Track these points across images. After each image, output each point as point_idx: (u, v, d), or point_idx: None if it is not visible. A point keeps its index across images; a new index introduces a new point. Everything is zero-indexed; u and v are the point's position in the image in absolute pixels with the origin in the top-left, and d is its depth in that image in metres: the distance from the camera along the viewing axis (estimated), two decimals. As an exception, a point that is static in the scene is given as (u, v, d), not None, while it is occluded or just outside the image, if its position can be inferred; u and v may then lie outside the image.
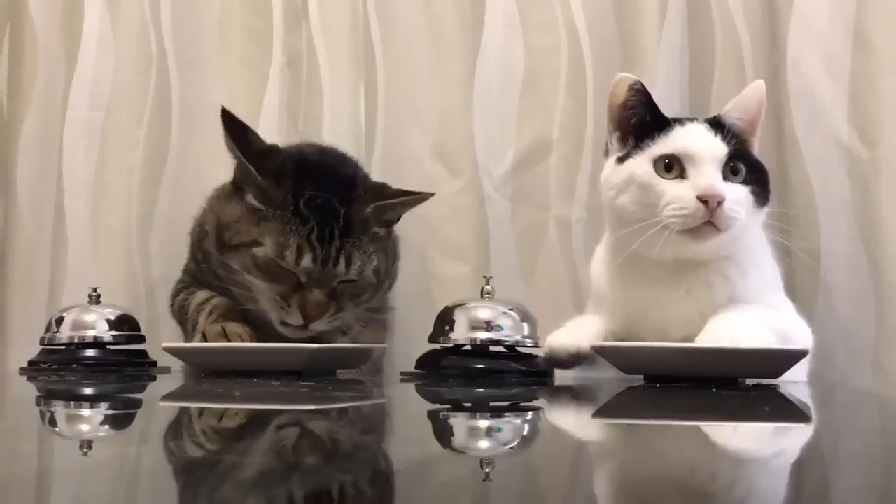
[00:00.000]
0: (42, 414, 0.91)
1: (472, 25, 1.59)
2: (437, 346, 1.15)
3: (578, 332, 1.16)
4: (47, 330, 1.32)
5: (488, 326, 1.12)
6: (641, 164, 1.13)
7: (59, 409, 0.94)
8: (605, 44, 1.56)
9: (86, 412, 0.93)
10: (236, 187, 1.27)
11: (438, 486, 0.52)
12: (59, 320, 1.31)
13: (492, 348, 1.14)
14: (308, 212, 1.20)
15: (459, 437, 0.74)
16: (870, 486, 0.54)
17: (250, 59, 1.68)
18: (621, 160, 1.15)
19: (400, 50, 1.63)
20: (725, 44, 1.51)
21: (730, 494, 0.51)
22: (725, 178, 1.11)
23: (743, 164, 1.13)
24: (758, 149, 1.20)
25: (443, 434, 0.77)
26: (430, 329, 1.16)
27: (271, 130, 1.63)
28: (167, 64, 1.68)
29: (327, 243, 1.20)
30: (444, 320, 1.15)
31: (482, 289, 1.17)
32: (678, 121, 1.16)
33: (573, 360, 1.14)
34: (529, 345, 1.14)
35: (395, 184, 1.57)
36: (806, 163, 1.46)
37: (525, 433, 0.78)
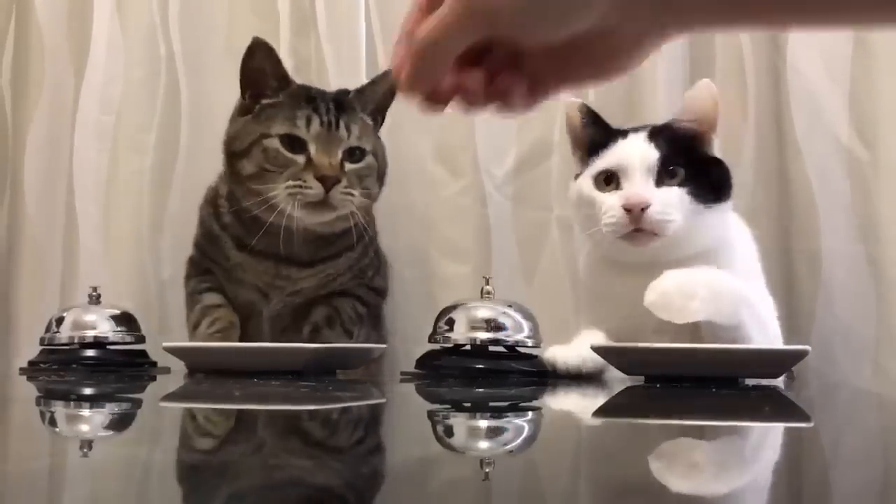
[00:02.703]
0: (42, 414, 0.91)
1: None
2: (437, 346, 1.15)
3: (580, 347, 1.16)
4: (47, 330, 1.32)
5: (488, 326, 1.12)
6: (586, 179, 1.20)
7: (59, 409, 0.94)
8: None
9: (86, 412, 0.93)
10: (240, 110, 1.38)
11: (438, 486, 0.52)
12: (60, 320, 1.32)
13: (492, 348, 1.14)
14: (308, 95, 1.36)
15: (459, 437, 0.74)
16: (870, 486, 0.54)
17: None
18: (577, 178, 1.24)
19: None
20: (726, 45, 1.51)
21: (730, 494, 0.51)
22: (661, 182, 1.16)
23: (683, 165, 1.16)
24: (717, 144, 1.23)
25: (443, 434, 0.77)
26: (430, 329, 1.16)
27: None
28: (176, 67, 1.69)
29: (327, 114, 1.33)
30: (444, 320, 1.15)
31: (482, 289, 1.17)
32: (622, 133, 1.22)
33: (572, 374, 1.15)
34: (529, 345, 1.14)
35: (397, 185, 1.58)
36: (806, 164, 1.46)
37: (525, 433, 0.78)
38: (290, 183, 1.29)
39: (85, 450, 0.64)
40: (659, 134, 1.20)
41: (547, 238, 1.56)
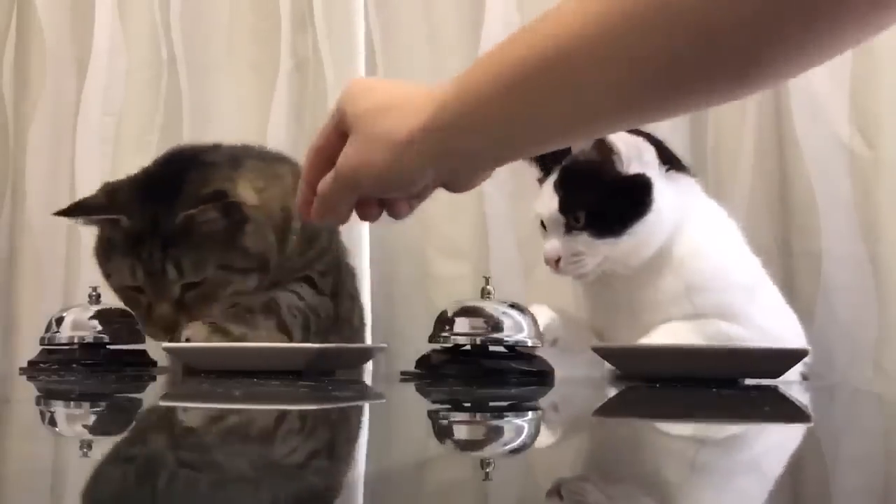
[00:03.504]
0: (42, 414, 0.91)
1: (472, 26, 1.59)
2: (437, 346, 1.15)
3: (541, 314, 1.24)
4: (47, 330, 1.32)
5: (488, 326, 1.12)
6: (536, 218, 1.29)
7: (59, 409, 0.94)
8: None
9: (86, 412, 0.93)
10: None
11: (438, 486, 0.52)
12: (59, 320, 1.31)
13: (492, 348, 1.14)
14: (136, 232, 1.24)
15: (459, 437, 0.74)
16: (870, 486, 0.54)
17: (259, 62, 1.68)
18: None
19: (400, 50, 1.63)
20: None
21: (730, 495, 0.51)
22: (570, 228, 1.23)
23: (584, 206, 1.22)
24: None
25: (443, 434, 0.77)
26: (430, 329, 1.16)
27: (280, 134, 1.63)
28: (177, 68, 1.69)
29: (154, 256, 1.22)
30: (444, 320, 1.14)
31: (482, 289, 1.17)
32: (547, 169, 1.28)
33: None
34: (529, 345, 1.14)
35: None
36: (807, 163, 1.45)
37: (525, 433, 0.78)
38: (139, 318, 1.27)
39: (85, 450, 0.64)
40: (565, 176, 1.25)
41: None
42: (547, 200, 1.25)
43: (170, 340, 1.23)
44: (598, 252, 1.22)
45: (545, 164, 1.28)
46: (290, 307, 1.30)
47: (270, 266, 1.29)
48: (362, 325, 1.50)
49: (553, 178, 1.26)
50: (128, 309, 1.34)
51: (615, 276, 1.24)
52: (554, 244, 1.24)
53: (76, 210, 1.30)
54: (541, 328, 1.17)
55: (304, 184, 0.87)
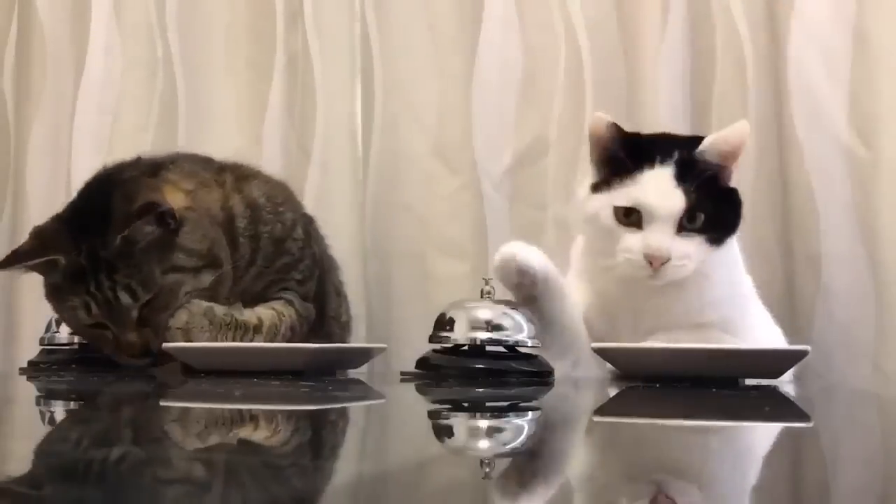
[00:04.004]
0: (42, 414, 0.91)
1: (471, 24, 1.60)
2: (436, 346, 1.15)
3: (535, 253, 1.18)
4: (47, 330, 1.32)
5: (488, 326, 1.12)
6: (605, 206, 1.17)
7: (59, 409, 0.94)
8: (604, 43, 1.56)
9: (85, 412, 0.93)
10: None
11: (438, 486, 0.52)
12: (59, 320, 1.31)
13: (492, 348, 1.14)
14: (77, 268, 1.19)
15: (459, 437, 0.74)
16: (870, 486, 0.54)
17: (255, 59, 1.68)
18: (595, 189, 1.20)
19: (398, 49, 1.63)
20: (726, 44, 1.51)
21: (730, 495, 0.51)
22: (681, 227, 1.14)
23: (703, 209, 1.14)
24: (735, 175, 1.20)
25: (443, 434, 0.77)
26: (429, 329, 1.16)
27: (275, 130, 1.63)
28: (173, 67, 1.69)
29: (103, 286, 1.18)
30: (444, 321, 1.15)
31: (482, 289, 1.17)
32: (650, 158, 1.16)
33: (524, 279, 1.16)
34: (529, 345, 1.14)
35: (394, 183, 1.57)
36: (806, 163, 1.46)
37: (525, 433, 0.78)
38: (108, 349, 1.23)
39: (85, 449, 0.64)
40: (686, 172, 1.15)
41: (543, 236, 1.56)
42: (660, 193, 1.14)
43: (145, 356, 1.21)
44: (701, 258, 1.15)
45: (644, 154, 1.17)
46: (272, 326, 1.28)
47: (222, 260, 1.26)
48: (349, 319, 1.48)
49: (667, 171, 1.15)
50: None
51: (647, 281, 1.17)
52: (665, 241, 1.13)
53: (10, 260, 1.24)
54: (531, 263, 1.15)
55: None
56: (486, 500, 0.50)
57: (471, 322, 1.13)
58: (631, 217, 1.15)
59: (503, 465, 0.59)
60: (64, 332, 1.30)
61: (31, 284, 1.68)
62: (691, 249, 1.14)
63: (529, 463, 0.61)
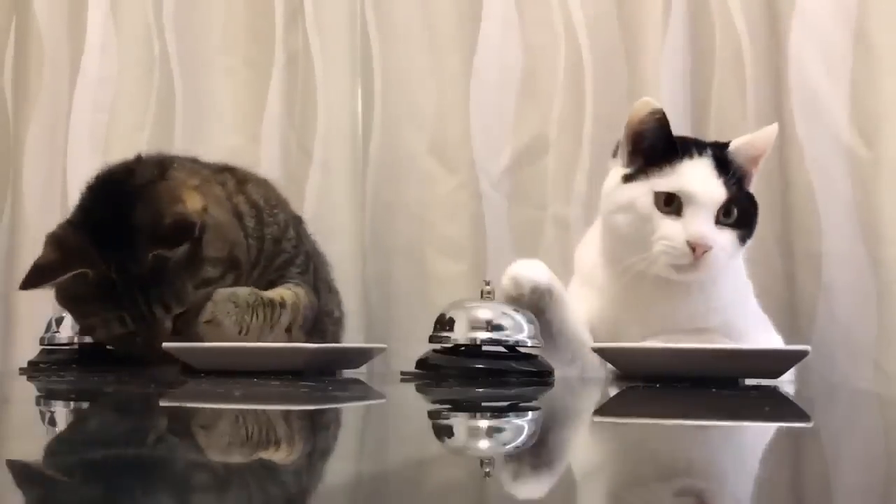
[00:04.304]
0: (42, 414, 0.91)
1: (470, 22, 1.60)
2: (436, 346, 1.15)
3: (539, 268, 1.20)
4: (47, 330, 1.32)
5: (488, 326, 1.12)
6: (643, 193, 1.16)
7: (59, 409, 0.94)
8: (604, 43, 1.56)
9: (85, 412, 0.93)
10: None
11: (438, 486, 0.52)
12: (59, 320, 1.31)
13: (492, 348, 1.14)
14: (106, 281, 1.18)
15: (459, 437, 0.74)
16: (870, 486, 0.54)
17: (254, 58, 1.68)
18: (627, 179, 1.19)
19: (397, 47, 1.63)
20: (725, 43, 1.51)
21: (730, 495, 0.51)
22: (717, 220, 1.15)
23: (737, 205, 1.16)
24: (755, 181, 1.22)
25: (443, 434, 0.77)
26: (429, 329, 1.16)
27: (273, 130, 1.63)
28: (170, 66, 1.69)
29: (139, 301, 1.18)
30: (444, 320, 1.15)
31: (482, 289, 1.17)
32: (688, 151, 1.17)
33: (535, 295, 1.17)
34: (529, 345, 1.14)
35: (392, 181, 1.56)
36: (807, 163, 1.46)
37: (525, 433, 0.78)
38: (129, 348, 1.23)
39: (84, 450, 0.64)
40: (723, 166, 1.16)
41: (542, 236, 1.56)
42: (702, 181, 1.15)
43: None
44: (733, 254, 1.16)
45: (682, 146, 1.17)
46: (294, 304, 1.29)
47: (241, 261, 1.26)
48: (342, 315, 1.48)
49: (705, 161, 1.16)
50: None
51: (660, 281, 1.17)
52: (710, 229, 1.14)
53: (39, 278, 1.20)
54: (537, 278, 1.16)
55: None
56: (486, 500, 0.50)
57: (471, 322, 1.13)
58: (671, 205, 1.14)
59: (503, 464, 0.59)
60: (64, 332, 1.30)
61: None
62: (728, 242, 1.15)
63: (529, 463, 0.61)
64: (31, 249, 1.68)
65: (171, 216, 1.19)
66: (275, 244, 1.32)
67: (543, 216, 1.57)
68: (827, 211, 1.45)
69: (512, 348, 1.14)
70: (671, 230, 1.14)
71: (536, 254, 1.56)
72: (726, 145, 1.19)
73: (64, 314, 1.32)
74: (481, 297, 1.16)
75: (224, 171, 1.35)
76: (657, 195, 1.15)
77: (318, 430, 0.77)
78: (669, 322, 1.18)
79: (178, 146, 1.66)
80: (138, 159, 1.31)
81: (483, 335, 1.12)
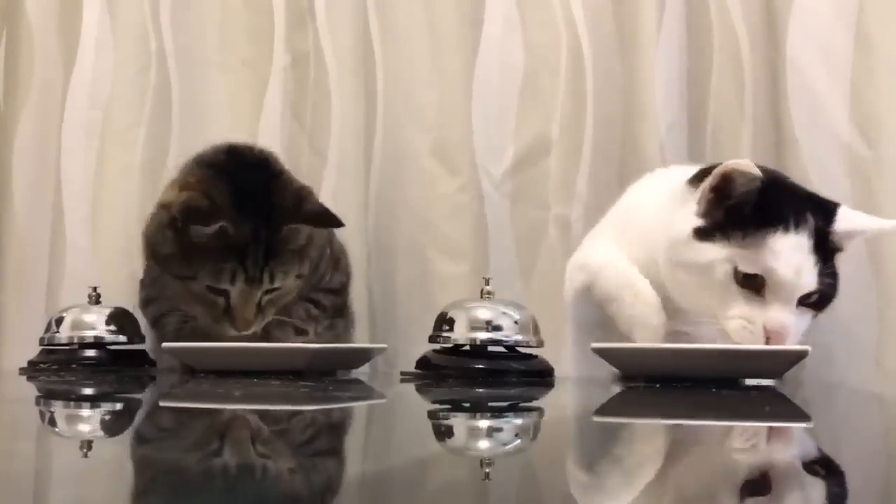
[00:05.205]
0: (42, 414, 0.91)
1: (472, 23, 1.59)
2: (437, 346, 1.15)
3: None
4: (47, 330, 1.32)
5: (488, 326, 1.12)
6: (722, 262, 1.06)
7: (59, 409, 0.94)
8: (604, 42, 1.56)
9: (86, 412, 0.93)
10: (171, 224, 1.26)
11: (438, 486, 0.52)
12: (59, 320, 1.31)
13: (491, 348, 1.14)
14: (239, 239, 1.23)
15: (459, 437, 0.74)
16: (870, 486, 0.54)
17: (252, 58, 1.67)
18: (701, 235, 1.08)
19: (399, 48, 1.62)
20: (723, 42, 1.51)
21: (729, 495, 0.51)
22: (800, 302, 1.08)
23: (822, 287, 1.08)
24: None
25: (443, 434, 0.77)
26: (430, 329, 1.17)
27: (272, 131, 1.63)
28: (166, 63, 1.68)
29: (257, 264, 1.24)
30: (444, 320, 1.15)
31: (482, 289, 1.17)
32: (783, 221, 1.06)
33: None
34: (529, 345, 1.14)
35: (394, 182, 1.56)
36: (806, 162, 1.45)
37: (525, 433, 0.78)
38: (211, 317, 1.26)
39: (85, 450, 0.64)
40: (818, 246, 1.07)
41: (545, 237, 1.56)
42: (796, 268, 1.06)
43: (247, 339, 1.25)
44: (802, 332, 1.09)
45: (776, 211, 1.07)
46: (301, 316, 1.34)
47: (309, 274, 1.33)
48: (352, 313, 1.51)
49: (803, 241, 1.06)
50: (127, 309, 1.33)
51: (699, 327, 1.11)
52: (791, 320, 1.06)
53: (188, 218, 1.23)
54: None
55: None
56: (487, 500, 0.50)
57: (471, 322, 1.13)
58: (753, 281, 1.05)
59: (503, 465, 0.59)
60: (64, 333, 1.30)
61: (20, 284, 1.67)
62: (805, 325, 1.09)
63: (529, 463, 0.61)
64: (21, 248, 1.67)
65: (310, 205, 1.28)
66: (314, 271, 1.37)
67: (546, 217, 1.56)
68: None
69: (512, 348, 1.15)
70: (750, 312, 1.05)
71: (538, 255, 1.56)
72: (833, 210, 1.10)
73: (64, 314, 1.32)
74: (481, 296, 1.16)
75: None
76: (737, 271, 1.06)
77: (319, 430, 0.77)
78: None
79: (175, 144, 1.65)
80: (262, 149, 1.38)
81: (483, 335, 1.12)
